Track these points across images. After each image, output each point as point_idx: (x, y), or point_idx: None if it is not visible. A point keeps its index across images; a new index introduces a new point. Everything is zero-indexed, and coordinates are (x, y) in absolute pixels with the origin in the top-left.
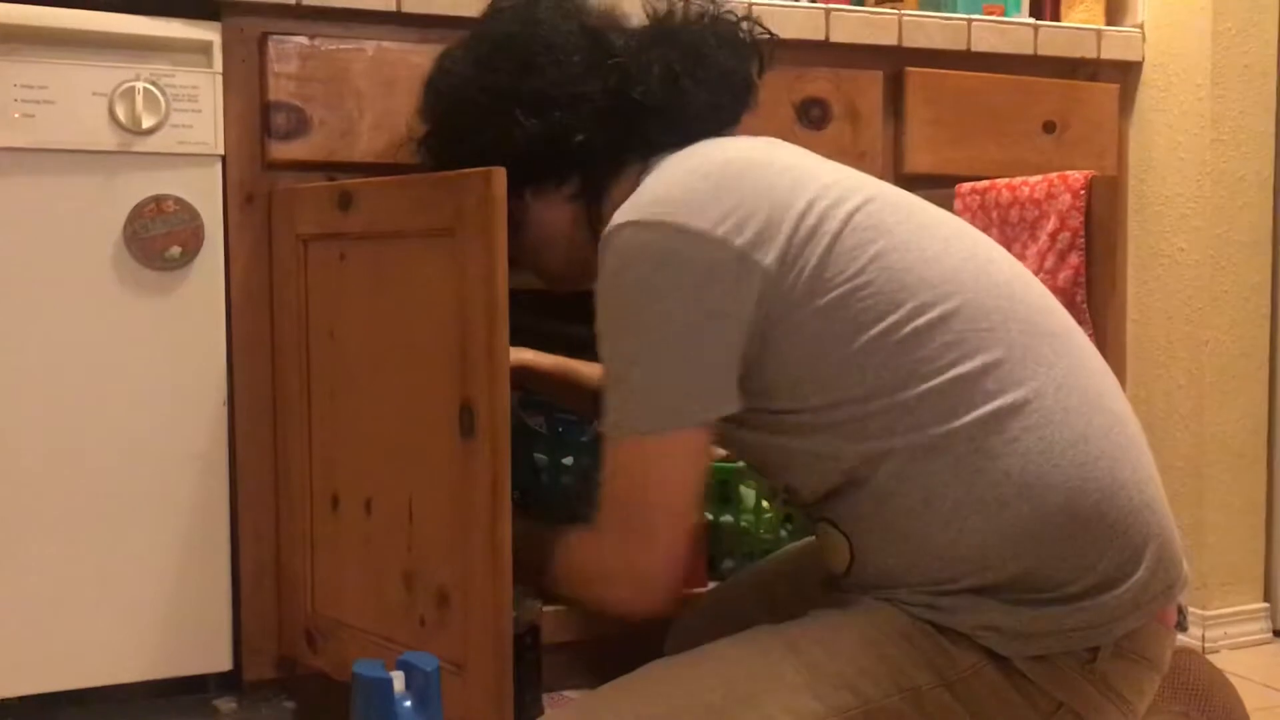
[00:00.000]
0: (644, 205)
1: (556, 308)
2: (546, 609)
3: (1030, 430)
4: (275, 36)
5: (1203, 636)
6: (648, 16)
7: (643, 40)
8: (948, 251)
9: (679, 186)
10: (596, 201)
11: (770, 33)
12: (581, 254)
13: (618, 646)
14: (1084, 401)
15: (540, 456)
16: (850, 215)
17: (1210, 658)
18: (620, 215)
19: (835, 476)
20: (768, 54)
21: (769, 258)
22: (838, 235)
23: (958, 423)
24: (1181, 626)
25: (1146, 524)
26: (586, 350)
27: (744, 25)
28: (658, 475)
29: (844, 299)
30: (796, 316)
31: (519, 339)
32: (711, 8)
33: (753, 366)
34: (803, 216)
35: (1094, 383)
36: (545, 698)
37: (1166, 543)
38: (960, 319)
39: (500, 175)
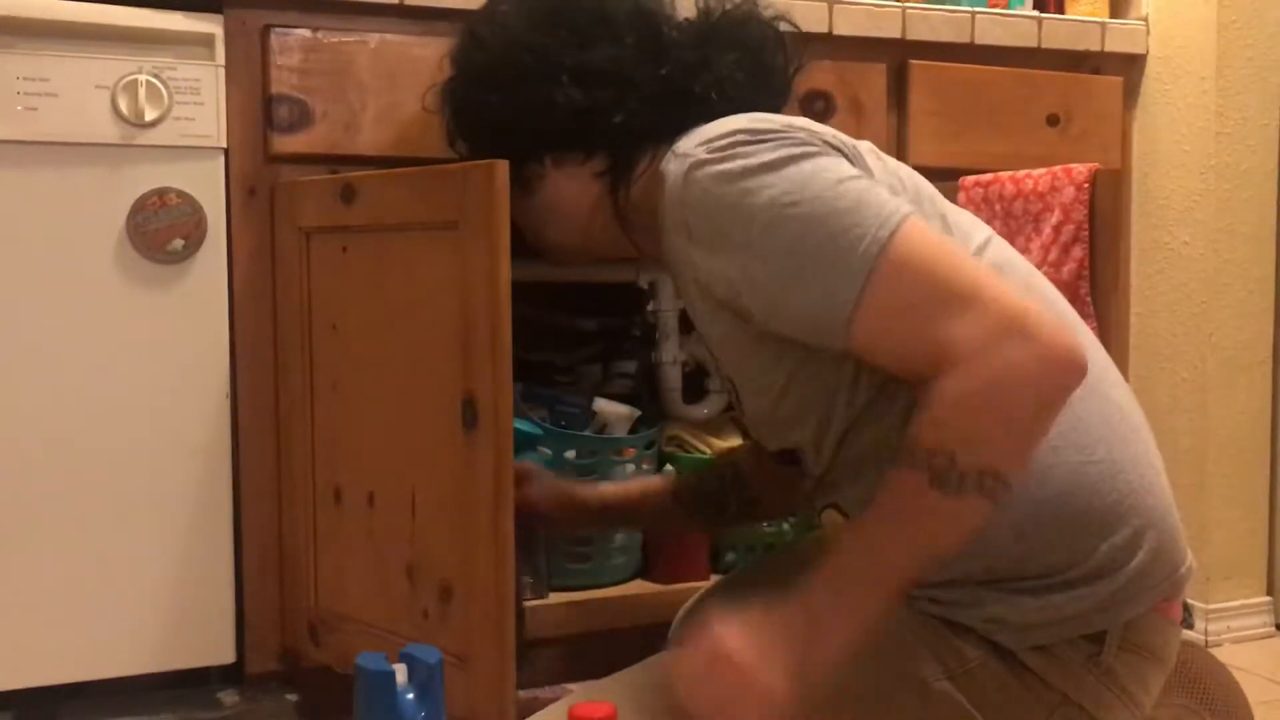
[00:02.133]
0: (702, 143)
1: (560, 301)
2: None
3: None
4: (277, 29)
5: (1205, 630)
6: (698, 9)
7: (699, 33)
8: (975, 230)
9: (732, 121)
10: (624, 182)
11: (797, 27)
12: (601, 233)
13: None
14: (1086, 389)
15: (545, 450)
16: (905, 178)
17: (1213, 651)
18: (683, 161)
19: (858, 454)
20: (800, 50)
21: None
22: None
23: None
24: (1187, 624)
25: (1148, 508)
26: (592, 343)
27: (784, 24)
28: (929, 260)
29: None
30: None
31: (522, 332)
32: (755, 6)
33: None
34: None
35: (1098, 372)
36: (549, 690)
37: (1168, 530)
38: None
39: (503, 169)
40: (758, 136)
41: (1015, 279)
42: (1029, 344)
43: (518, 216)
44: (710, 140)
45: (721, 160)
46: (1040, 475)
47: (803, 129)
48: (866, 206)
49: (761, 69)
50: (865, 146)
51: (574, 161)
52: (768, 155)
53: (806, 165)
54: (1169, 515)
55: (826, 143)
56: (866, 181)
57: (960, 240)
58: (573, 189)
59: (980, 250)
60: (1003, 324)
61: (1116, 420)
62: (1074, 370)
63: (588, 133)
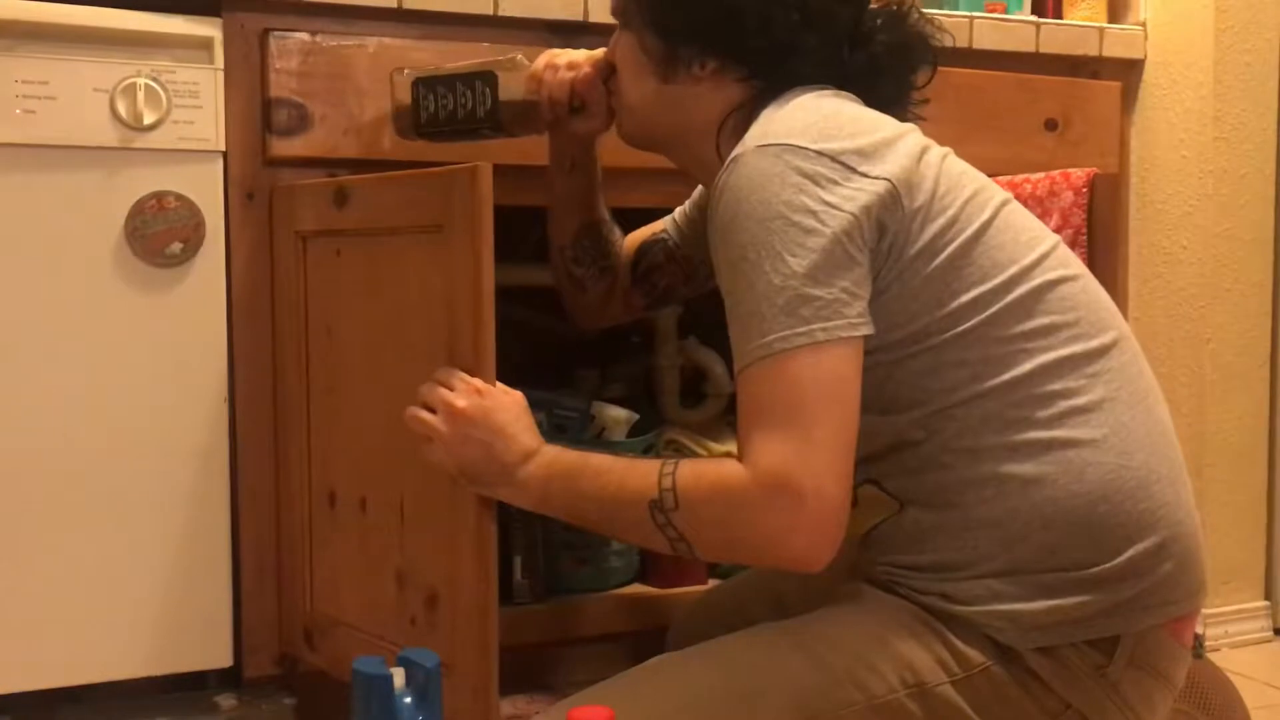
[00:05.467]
0: (780, 133)
1: (558, 304)
2: None
3: (1079, 410)
4: (276, 32)
5: (1203, 635)
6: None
7: (881, 15)
8: (1040, 238)
9: (818, 116)
10: (756, 114)
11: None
12: (685, 145)
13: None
14: (1133, 396)
15: None
16: (973, 194)
17: (1210, 656)
18: (753, 140)
19: (890, 436)
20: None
21: (915, 201)
22: (965, 203)
23: (1016, 395)
24: (1198, 654)
25: (1177, 523)
26: (574, 346)
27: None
28: (817, 390)
29: (956, 257)
30: (916, 263)
31: (520, 335)
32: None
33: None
34: (937, 181)
35: (1144, 384)
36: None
37: (1194, 550)
38: (1053, 297)
39: (486, 171)
40: (819, 154)
41: (1087, 293)
42: (791, 513)
43: (627, 91)
44: (768, 136)
45: (761, 165)
46: (1078, 470)
47: (877, 162)
48: (812, 306)
49: (900, 72)
50: (932, 159)
51: (732, 77)
52: (788, 193)
53: (822, 237)
54: (1196, 535)
55: (868, 203)
56: (837, 282)
57: (1018, 251)
58: (711, 100)
59: (1040, 261)
60: (792, 477)
61: (1158, 434)
62: (797, 563)
63: (773, 59)
